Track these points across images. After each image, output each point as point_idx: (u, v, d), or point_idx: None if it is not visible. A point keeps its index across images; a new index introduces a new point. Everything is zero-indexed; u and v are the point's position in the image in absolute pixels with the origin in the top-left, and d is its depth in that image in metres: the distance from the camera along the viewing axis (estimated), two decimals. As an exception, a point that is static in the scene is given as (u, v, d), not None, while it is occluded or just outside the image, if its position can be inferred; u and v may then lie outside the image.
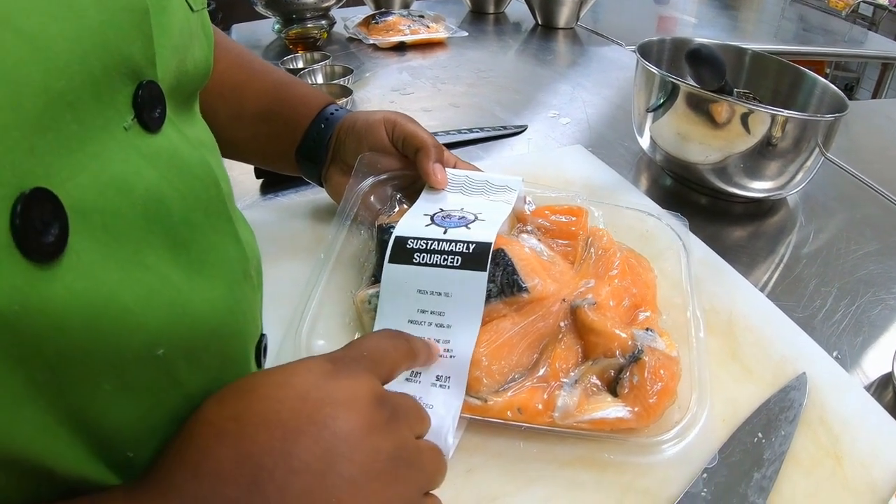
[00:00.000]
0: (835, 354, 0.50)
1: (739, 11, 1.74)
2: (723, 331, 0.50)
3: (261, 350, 0.40)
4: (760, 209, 0.71)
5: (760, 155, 0.62)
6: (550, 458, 0.40)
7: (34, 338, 0.19)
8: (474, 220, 0.49)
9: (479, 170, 0.58)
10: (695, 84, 0.60)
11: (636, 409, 0.39)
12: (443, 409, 0.40)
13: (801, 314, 0.55)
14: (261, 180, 0.73)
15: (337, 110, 0.59)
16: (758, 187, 0.66)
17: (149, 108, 0.26)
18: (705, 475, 0.38)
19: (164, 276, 0.27)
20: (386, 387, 0.34)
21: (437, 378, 0.42)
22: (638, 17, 1.70)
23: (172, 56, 0.33)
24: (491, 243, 0.45)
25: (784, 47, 1.38)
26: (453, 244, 0.46)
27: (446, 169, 0.55)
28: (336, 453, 0.27)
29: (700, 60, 0.55)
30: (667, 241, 0.54)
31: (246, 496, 0.25)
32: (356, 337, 0.47)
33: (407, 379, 0.42)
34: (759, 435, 0.41)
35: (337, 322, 0.49)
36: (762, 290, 0.58)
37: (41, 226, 0.19)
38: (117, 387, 0.24)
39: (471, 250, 0.45)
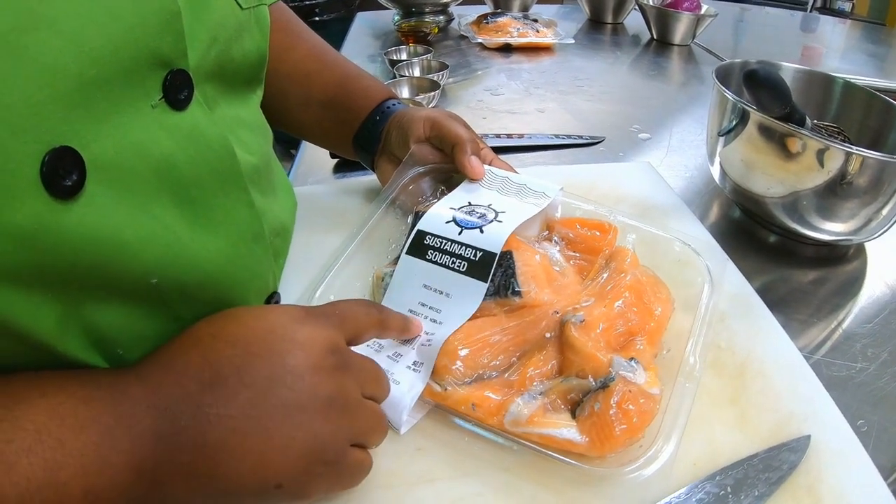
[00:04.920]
0: (859, 424, 0.43)
1: (891, 49, 1.52)
2: (731, 372, 0.45)
3: None
4: (833, 254, 0.62)
5: (830, 193, 0.53)
6: (495, 459, 0.38)
7: (47, 250, 0.24)
8: (491, 223, 0.47)
9: (515, 171, 0.56)
10: (755, 109, 0.53)
11: (589, 437, 0.36)
12: (406, 386, 0.40)
13: (837, 373, 0.48)
14: (335, 160, 0.76)
15: (394, 104, 0.60)
16: (827, 229, 0.57)
17: (176, 90, 0.31)
18: (649, 517, 0.35)
19: (166, 224, 0.31)
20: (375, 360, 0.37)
21: (414, 363, 0.42)
22: (782, 44, 1.54)
23: (211, 47, 0.37)
24: (496, 254, 0.44)
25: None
26: (463, 248, 0.46)
27: (488, 167, 0.54)
28: (280, 380, 0.30)
29: (758, 83, 0.48)
30: (698, 273, 0.48)
31: (200, 392, 0.29)
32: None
33: (389, 356, 0.42)
34: (728, 489, 0.36)
35: (353, 293, 0.49)
36: (809, 342, 0.51)
37: (63, 173, 0.24)
38: (113, 297, 0.29)
39: (477, 258, 0.45)
